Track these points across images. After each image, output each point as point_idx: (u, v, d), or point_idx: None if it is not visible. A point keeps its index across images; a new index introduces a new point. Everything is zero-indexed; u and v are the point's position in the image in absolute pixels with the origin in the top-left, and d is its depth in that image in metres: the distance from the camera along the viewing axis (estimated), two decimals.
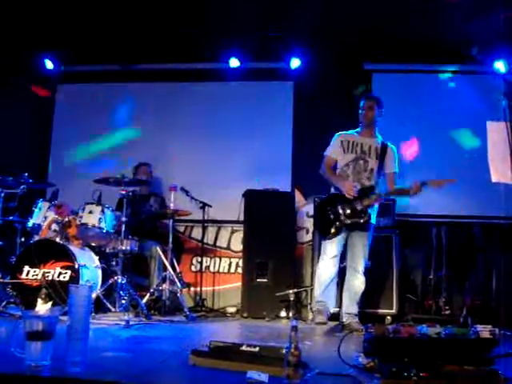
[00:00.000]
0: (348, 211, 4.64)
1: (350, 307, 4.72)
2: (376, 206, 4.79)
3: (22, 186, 5.15)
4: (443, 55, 6.48)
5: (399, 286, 5.53)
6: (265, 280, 5.79)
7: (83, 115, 7.04)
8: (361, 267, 4.70)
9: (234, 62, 6.86)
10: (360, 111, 4.86)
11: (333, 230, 4.64)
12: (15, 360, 2.38)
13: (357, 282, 4.70)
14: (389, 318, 5.38)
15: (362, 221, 4.62)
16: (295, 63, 6.81)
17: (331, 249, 4.68)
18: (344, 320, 4.71)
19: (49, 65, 7.06)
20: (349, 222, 4.62)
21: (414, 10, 5.85)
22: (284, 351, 2.28)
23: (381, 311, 5.44)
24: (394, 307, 5.44)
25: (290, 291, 5.61)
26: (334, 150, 4.88)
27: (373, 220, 4.76)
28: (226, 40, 6.61)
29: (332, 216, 4.67)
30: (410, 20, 5.99)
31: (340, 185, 4.72)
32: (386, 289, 5.48)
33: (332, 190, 4.86)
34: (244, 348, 2.53)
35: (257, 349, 2.52)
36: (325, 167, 4.87)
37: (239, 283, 6.10)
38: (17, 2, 5.98)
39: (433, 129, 6.52)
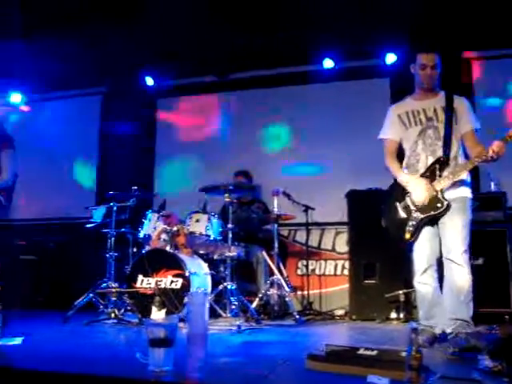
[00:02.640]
0: (419, 203, 3.59)
1: (456, 311, 3.43)
2: (465, 178, 3.61)
3: (132, 199, 5.39)
4: None
5: None
6: (373, 281, 5.67)
7: (183, 127, 7.28)
8: (456, 255, 3.46)
9: (328, 63, 6.81)
10: (419, 71, 3.71)
11: (407, 236, 3.61)
12: (139, 366, 2.48)
13: (456, 276, 3.45)
14: (506, 317, 5.09)
15: (437, 212, 3.50)
16: (391, 59, 6.65)
17: (420, 260, 3.62)
18: (449, 330, 3.40)
19: (149, 81, 7.35)
20: (422, 216, 3.55)
21: None
22: (404, 354, 2.21)
23: (496, 310, 5.16)
24: None
25: (400, 292, 5.46)
26: (394, 130, 3.83)
27: (467, 193, 3.62)
28: (319, 41, 6.57)
29: (403, 213, 3.67)
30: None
31: (407, 188, 3.66)
32: (501, 286, 5.18)
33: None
34: (361, 352, 2.48)
35: (375, 352, 2.47)
36: (386, 155, 3.85)
37: (346, 285, 6.03)
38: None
39: None
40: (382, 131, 3.92)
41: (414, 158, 3.70)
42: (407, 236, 3.60)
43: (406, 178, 3.67)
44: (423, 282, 3.61)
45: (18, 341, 3.50)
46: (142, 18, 6.18)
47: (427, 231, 3.60)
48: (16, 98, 7.73)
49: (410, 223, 3.60)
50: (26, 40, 6.47)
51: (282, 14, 6.14)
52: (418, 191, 3.57)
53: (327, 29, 6.27)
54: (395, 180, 3.80)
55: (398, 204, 3.72)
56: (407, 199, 3.66)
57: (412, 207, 3.62)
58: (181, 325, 2.60)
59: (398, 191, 3.74)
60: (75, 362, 2.90)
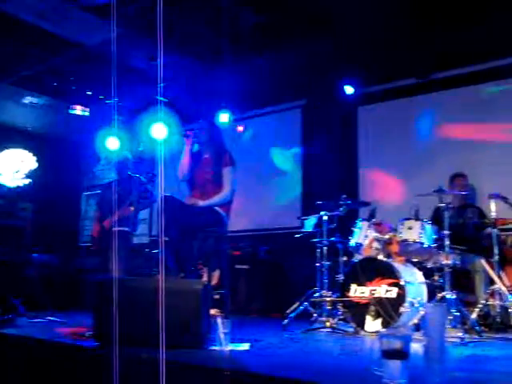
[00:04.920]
0: None
1: None
2: None
3: (341, 208, 5.43)
4: None
5: None
6: None
7: (385, 133, 7.18)
8: None
9: None
10: None
11: None
12: (372, 377, 2.46)
13: None
14: None
15: None
16: None
17: None
18: None
19: (348, 90, 7.34)
20: None
21: None
22: None
23: None
24: None
25: None
26: None
27: None
28: None
29: None
30: None
31: None
32: None
33: None
34: None
35: None
36: None
37: None
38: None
39: None
40: None
41: None
42: None
43: None
44: None
45: (245, 346, 3.70)
46: (339, 27, 6.23)
47: None
48: (224, 117, 8.21)
49: None
50: (232, 62, 6.91)
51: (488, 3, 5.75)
52: None
53: None
54: None
55: None
56: None
57: None
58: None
59: None
60: (304, 369, 2.98)
